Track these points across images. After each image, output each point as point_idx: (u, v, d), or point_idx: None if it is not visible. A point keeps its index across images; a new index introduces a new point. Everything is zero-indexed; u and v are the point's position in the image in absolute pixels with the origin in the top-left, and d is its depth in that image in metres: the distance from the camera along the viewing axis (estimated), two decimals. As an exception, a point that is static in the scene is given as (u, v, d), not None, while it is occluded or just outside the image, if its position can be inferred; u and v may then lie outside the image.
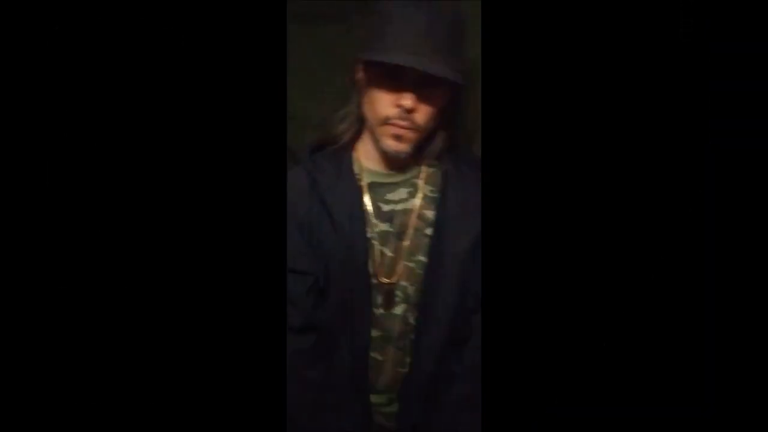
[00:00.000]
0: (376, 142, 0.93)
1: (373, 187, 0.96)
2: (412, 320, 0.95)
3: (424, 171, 0.97)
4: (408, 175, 0.97)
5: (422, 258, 0.95)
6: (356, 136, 0.97)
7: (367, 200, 0.96)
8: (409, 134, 0.90)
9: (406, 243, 0.94)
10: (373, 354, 0.95)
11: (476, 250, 0.92)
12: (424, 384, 0.95)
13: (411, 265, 0.94)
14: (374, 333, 0.94)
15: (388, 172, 0.97)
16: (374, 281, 0.94)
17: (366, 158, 0.97)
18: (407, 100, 0.86)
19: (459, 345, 0.95)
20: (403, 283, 0.94)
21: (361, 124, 0.96)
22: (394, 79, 0.87)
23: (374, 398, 0.97)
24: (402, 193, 0.96)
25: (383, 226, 0.95)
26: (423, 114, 0.89)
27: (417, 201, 0.96)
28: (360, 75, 0.92)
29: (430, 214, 0.96)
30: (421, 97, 0.88)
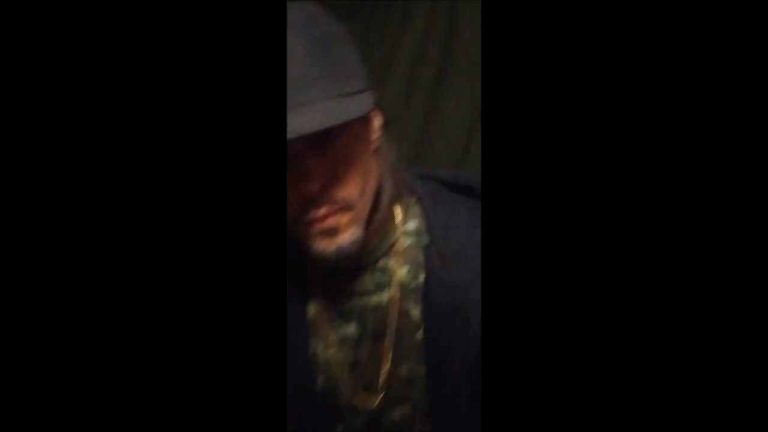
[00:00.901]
0: (308, 252, 0.67)
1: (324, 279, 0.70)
2: None
3: (398, 247, 0.69)
4: (371, 258, 0.70)
5: (410, 367, 0.69)
6: None
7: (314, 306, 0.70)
8: (343, 219, 0.64)
9: (386, 347, 0.69)
10: None
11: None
12: None
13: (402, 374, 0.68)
14: None
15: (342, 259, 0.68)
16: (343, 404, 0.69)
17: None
18: (310, 181, 0.61)
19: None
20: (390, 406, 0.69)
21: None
22: (294, 180, 0.63)
23: None
24: (368, 283, 0.70)
25: (349, 330, 0.70)
26: (345, 184, 0.63)
27: (392, 293, 0.69)
28: None
29: (411, 309, 0.69)
30: (332, 165, 0.63)
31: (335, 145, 0.63)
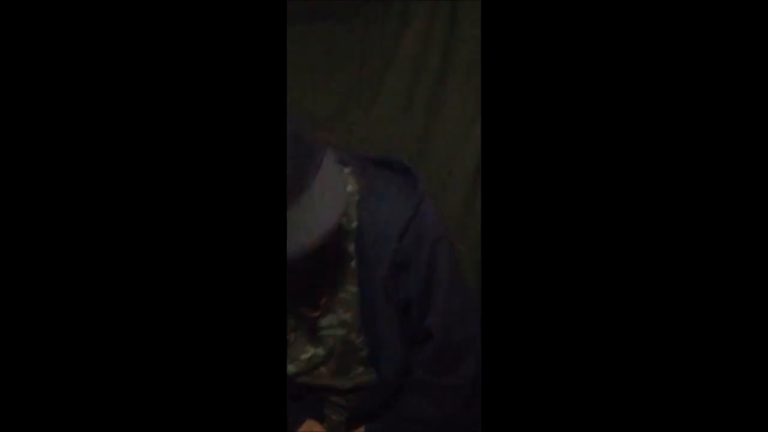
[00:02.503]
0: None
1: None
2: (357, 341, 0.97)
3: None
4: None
5: (352, 288, 0.96)
6: None
7: None
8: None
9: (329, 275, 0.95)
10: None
11: (396, 264, 0.93)
12: (386, 396, 0.99)
13: (342, 295, 0.96)
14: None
15: None
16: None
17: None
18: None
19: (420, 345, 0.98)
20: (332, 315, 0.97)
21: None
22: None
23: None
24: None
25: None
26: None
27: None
28: None
29: (350, 248, 0.95)
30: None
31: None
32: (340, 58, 1.21)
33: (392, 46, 1.20)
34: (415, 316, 0.97)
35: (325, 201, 0.82)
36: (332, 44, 1.21)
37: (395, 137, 1.21)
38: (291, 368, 0.99)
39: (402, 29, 1.19)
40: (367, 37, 1.21)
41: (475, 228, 1.19)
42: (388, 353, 0.97)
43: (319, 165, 0.83)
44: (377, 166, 1.00)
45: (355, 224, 0.94)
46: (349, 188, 0.95)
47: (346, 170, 0.96)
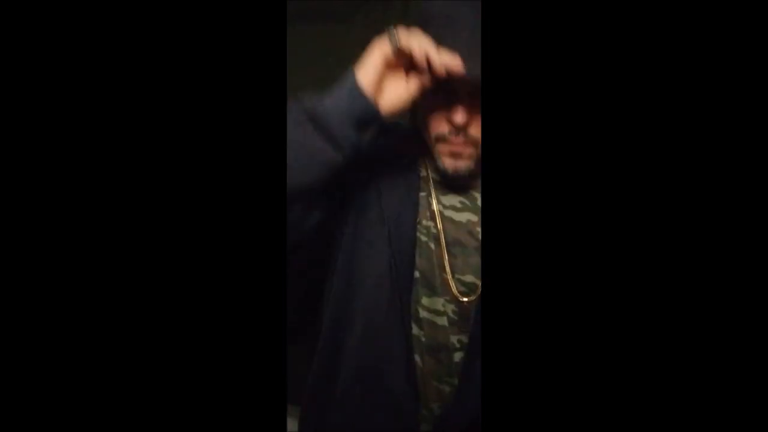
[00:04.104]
0: (434, 161, 0.87)
1: (430, 183, 0.90)
2: (454, 340, 0.88)
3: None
4: (467, 183, 0.90)
5: (471, 278, 0.88)
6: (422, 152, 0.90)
7: (421, 192, 0.90)
8: (468, 150, 0.84)
9: (451, 257, 0.88)
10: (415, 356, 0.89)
11: None
12: (469, 414, 0.87)
13: (453, 283, 0.88)
14: (415, 331, 0.89)
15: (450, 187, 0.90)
16: (417, 275, 0.89)
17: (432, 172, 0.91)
18: (459, 115, 0.81)
19: None
20: (448, 304, 0.89)
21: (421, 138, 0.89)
22: (445, 92, 0.81)
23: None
24: (452, 200, 0.90)
25: (429, 224, 0.89)
26: (478, 127, 0.82)
27: (471, 216, 0.89)
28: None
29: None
30: (474, 109, 0.81)
31: (479, 97, 0.81)
32: (340, 58, 1.21)
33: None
34: None
35: None
36: (332, 44, 1.21)
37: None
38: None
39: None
40: (367, 37, 1.21)
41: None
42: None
43: None
44: None
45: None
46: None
47: None
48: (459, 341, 0.89)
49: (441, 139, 0.84)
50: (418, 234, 0.89)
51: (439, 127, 0.84)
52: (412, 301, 0.89)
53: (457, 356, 0.89)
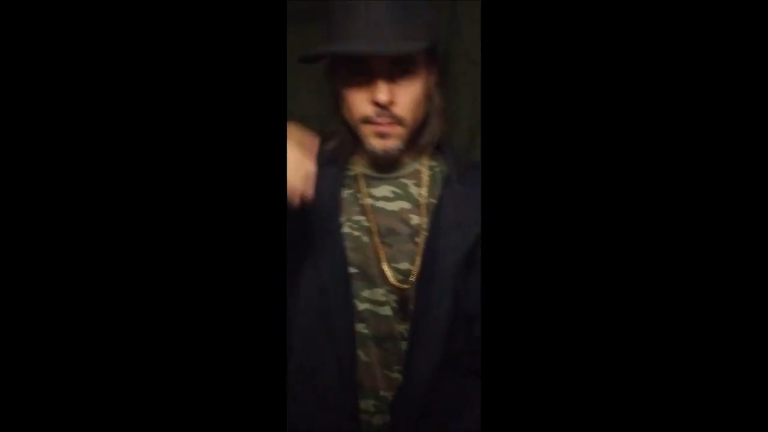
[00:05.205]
0: (362, 143, 0.88)
1: (359, 179, 0.92)
2: (400, 328, 0.89)
3: (423, 173, 0.92)
4: (399, 173, 0.92)
5: (406, 266, 0.89)
6: (352, 144, 0.91)
7: (347, 190, 0.91)
8: (395, 130, 0.85)
9: (385, 247, 0.89)
10: (358, 351, 0.89)
11: (469, 266, 0.87)
12: (418, 400, 0.88)
13: (390, 272, 0.89)
14: (358, 328, 0.89)
15: (377, 169, 0.92)
16: (354, 270, 0.89)
17: (360, 158, 0.93)
18: (381, 93, 0.82)
19: (454, 364, 0.89)
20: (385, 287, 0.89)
21: (349, 129, 0.90)
22: (364, 74, 0.83)
23: (361, 403, 0.90)
24: (385, 191, 0.92)
25: (359, 219, 0.90)
26: (403, 106, 0.84)
27: (404, 204, 0.91)
28: (331, 75, 0.88)
29: (416, 219, 0.90)
30: (398, 88, 0.84)
31: (404, 76, 0.84)
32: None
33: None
34: (467, 334, 0.89)
35: None
36: (332, 44, 1.21)
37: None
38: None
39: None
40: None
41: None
42: (429, 349, 0.88)
43: None
44: (467, 162, 0.97)
45: (434, 199, 0.89)
46: (435, 164, 0.92)
47: (441, 149, 0.93)
48: (404, 329, 0.90)
49: (366, 120, 0.85)
50: (348, 230, 0.90)
51: (363, 109, 0.85)
52: (349, 296, 0.89)
53: (404, 345, 0.89)
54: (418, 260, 0.89)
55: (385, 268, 0.89)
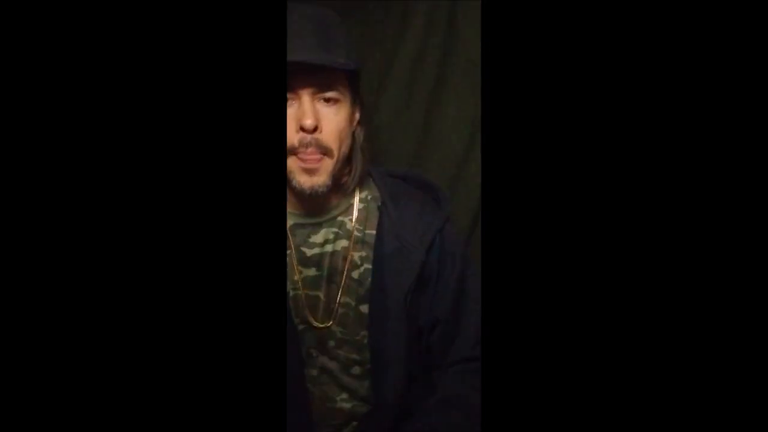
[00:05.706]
0: (289, 182, 0.85)
1: (294, 230, 0.90)
2: (357, 367, 0.91)
3: (355, 207, 0.91)
4: (333, 213, 0.91)
5: (352, 302, 0.90)
6: None
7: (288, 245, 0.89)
8: (322, 164, 0.83)
9: (334, 287, 0.89)
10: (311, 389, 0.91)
11: (419, 288, 0.89)
12: (387, 421, 0.91)
13: (342, 310, 0.90)
14: (309, 371, 0.91)
15: (309, 213, 0.90)
16: (302, 327, 0.90)
17: (289, 202, 0.89)
18: (307, 118, 0.80)
19: (417, 380, 0.92)
20: (336, 328, 0.90)
21: None
22: (290, 101, 0.82)
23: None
24: (327, 234, 0.90)
25: (310, 272, 0.90)
26: (328, 133, 0.82)
27: (345, 242, 0.90)
28: None
29: (358, 256, 0.90)
30: (322, 115, 0.82)
31: (329, 102, 0.83)
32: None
33: (392, 46, 1.21)
34: (438, 338, 0.92)
35: None
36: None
37: (395, 137, 1.21)
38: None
39: (402, 29, 1.19)
40: (366, 37, 1.21)
41: (477, 234, 1.19)
42: (394, 372, 0.90)
43: None
44: (394, 177, 0.97)
45: (373, 233, 0.90)
46: (366, 194, 0.92)
47: (368, 177, 0.93)
48: (333, 365, 0.92)
49: (293, 152, 0.82)
50: (292, 291, 0.90)
51: (289, 138, 0.82)
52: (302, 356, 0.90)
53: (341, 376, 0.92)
54: (362, 294, 0.90)
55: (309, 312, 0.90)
